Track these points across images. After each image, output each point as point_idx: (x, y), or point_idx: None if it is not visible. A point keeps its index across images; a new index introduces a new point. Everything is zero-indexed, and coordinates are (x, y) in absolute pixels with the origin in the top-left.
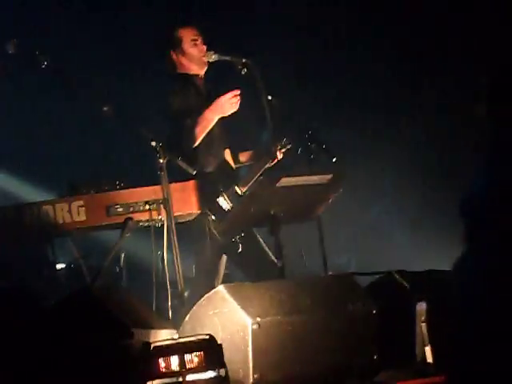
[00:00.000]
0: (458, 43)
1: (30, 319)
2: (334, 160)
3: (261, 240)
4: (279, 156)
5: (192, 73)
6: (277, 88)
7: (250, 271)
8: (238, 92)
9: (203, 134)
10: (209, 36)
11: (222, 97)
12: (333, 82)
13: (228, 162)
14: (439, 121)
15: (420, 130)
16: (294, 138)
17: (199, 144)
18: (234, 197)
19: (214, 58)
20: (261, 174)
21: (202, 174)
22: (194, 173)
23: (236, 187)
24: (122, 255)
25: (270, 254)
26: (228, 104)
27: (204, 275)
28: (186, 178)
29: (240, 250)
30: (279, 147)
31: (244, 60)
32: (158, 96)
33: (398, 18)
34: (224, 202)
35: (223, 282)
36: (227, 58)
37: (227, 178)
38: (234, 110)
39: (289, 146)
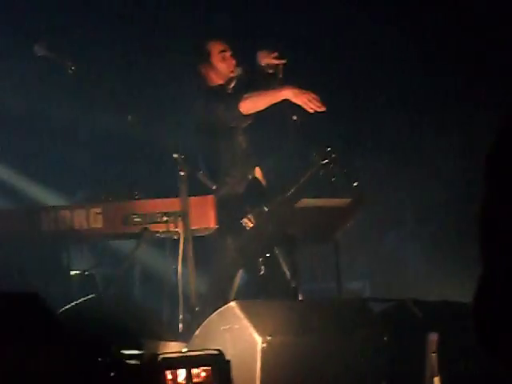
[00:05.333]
0: None
1: (38, 326)
2: (354, 184)
3: (281, 261)
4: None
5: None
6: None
7: (268, 292)
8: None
9: (260, 106)
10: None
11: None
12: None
13: (258, 180)
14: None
15: (452, 163)
16: (316, 160)
17: (223, 160)
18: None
19: (238, 71)
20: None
21: (226, 190)
22: (214, 187)
23: (265, 207)
24: (137, 265)
25: (288, 274)
26: (309, 97)
27: (217, 290)
28: (206, 192)
29: (262, 272)
30: (320, 157)
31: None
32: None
33: None
34: (248, 223)
35: (236, 299)
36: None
37: (255, 196)
38: (308, 107)
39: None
